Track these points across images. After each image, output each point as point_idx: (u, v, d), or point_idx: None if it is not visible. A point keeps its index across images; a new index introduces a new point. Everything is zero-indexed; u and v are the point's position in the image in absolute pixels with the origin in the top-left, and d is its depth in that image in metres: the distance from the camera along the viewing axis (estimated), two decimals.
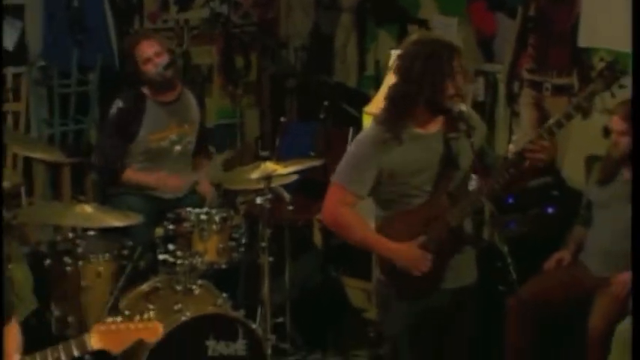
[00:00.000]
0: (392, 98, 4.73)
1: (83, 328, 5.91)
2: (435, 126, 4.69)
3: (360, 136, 4.96)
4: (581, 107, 4.74)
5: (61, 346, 3.80)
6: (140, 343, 5.41)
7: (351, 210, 4.76)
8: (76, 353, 3.79)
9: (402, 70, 4.66)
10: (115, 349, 3.88)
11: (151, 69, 6.44)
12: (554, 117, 4.73)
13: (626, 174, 5.70)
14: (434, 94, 4.58)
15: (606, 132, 6.20)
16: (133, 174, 6.54)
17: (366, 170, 4.71)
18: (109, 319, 3.89)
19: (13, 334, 3.92)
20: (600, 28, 6.83)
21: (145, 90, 6.58)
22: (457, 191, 4.69)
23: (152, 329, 3.98)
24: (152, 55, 6.46)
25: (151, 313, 5.66)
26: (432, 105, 4.61)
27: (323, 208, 4.86)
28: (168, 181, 6.53)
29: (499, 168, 4.65)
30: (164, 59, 6.46)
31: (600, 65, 5.04)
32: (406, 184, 4.70)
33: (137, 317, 4.00)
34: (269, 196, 6.14)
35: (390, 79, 4.91)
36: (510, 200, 6.21)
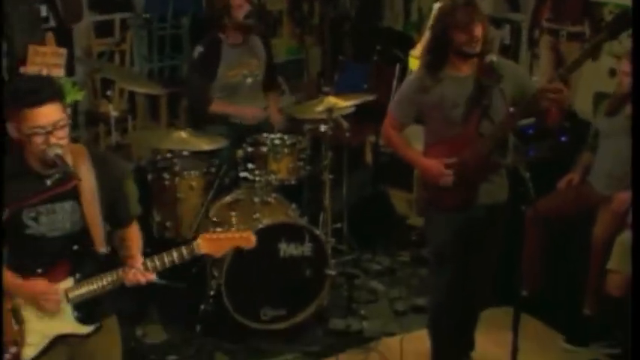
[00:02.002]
0: (428, 50, 4.91)
1: (179, 231, 6.11)
2: (469, 69, 4.77)
3: (409, 76, 5.25)
4: (590, 54, 4.79)
5: (174, 251, 3.84)
6: None
7: (397, 132, 5.06)
8: (186, 257, 3.84)
9: (432, 29, 4.90)
10: (217, 253, 3.94)
11: (236, 11, 6.46)
12: (566, 63, 4.80)
13: (628, 109, 5.62)
14: (455, 44, 4.70)
15: (612, 73, 6.19)
16: (217, 105, 6.54)
17: (407, 104, 4.98)
18: (212, 230, 4.00)
19: (136, 234, 4.03)
20: None
21: (221, 35, 6.58)
22: (488, 126, 4.76)
23: (247, 238, 3.97)
24: (241, 2, 6.46)
25: (234, 220, 5.86)
26: (458, 52, 4.73)
27: (382, 128, 5.17)
28: (247, 111, 6.54)
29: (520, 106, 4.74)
30: (246, 8, 6.48)
31: (609, 17, 5.06)
32: (445, 117, 4.83)
33: (234, 228, 4.10)
34: (331, 124, 6.17)
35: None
36: (530, 131, 6.21)
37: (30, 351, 3.74)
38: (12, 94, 3.58)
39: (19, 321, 3.72)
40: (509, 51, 7.70)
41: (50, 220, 3.68)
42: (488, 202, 4.92)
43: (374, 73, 8.22)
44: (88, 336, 3.83)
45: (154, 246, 6.34)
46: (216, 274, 5.77)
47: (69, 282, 3.74)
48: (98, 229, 3.74)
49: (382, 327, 5.98)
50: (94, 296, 3.76)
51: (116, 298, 3.91)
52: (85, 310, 3.79)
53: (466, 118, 4.78)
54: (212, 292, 5.79)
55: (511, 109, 4.66)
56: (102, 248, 3.77)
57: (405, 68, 7.91)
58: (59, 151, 3.55)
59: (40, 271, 3.71)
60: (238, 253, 5.52)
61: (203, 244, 3.85)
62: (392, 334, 5.87)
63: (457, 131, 4.83)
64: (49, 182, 3.62)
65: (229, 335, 5.76)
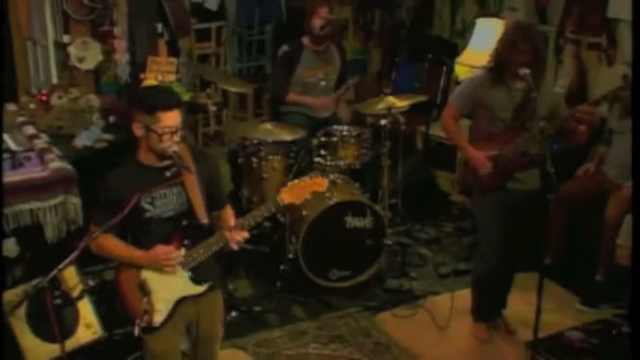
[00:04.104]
0: (494, 59, 4.89)
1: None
2: (523, 82, 4.77)
3: (473, 75, 5.23)
4: (610, 97, 4.87)
5: (262, 207, 3.74)
6: (301, 217, 5.75)
7: (453, 121, 5.04)
8: (273, 210, 3.73)
9: (498, 45, 4.86)
10: (298, 200, 3.74)
11: (317, 24, 6.45)
12: (597, 96, 4.87)
13: None
14: (511, 65, 4.74)
15: (624, 78, 6.16)
16: (293, 95, 6.55)
17: (466, 98, 4.99)
18: (289, 182, 3.79)
19: (230, 212, 4.02)
20: (625, 1, 6.71)
21: (304, 40, 6.58)
22: (528, 128, 4.80)
23: (319, 182, 3.80)
24: (324, 14, 6.45)
25: (308, 196, 5.91)
26: (514, 71, 4.75)
27: (441, 117, 5.16)
28: (318, 101, 6.55)
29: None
30: (324, 21, 6.48)
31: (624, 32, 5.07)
32: (493, 117, 4.87)
33: (307, 177, 3.84)
34: (389, 119, 6.22)
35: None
36: (555, 146, 6.09)
37: (159, 316, 3.81)
38: (147, 99, 3.67)
39: (147, 293, 3.78)
40: None
41: (163, 203, 3.74)
42: (523, 187, 4.96)
43: (424, 73, 8.26)
44: (202, 295, 3.89)
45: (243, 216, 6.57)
46: (294, 240, 5.83)
47: (182, 252, 3.78)
48: (200, 206, 3.75)
49: (429, 287, 5.99)
50: (203, 260, 3.80)
51: (218, 261, 3.98)
52: (198, 272, 3.83)
53: (511, 121, 4.83)
54: (290, 256, 5.85)
55: (542, 123, 4.69)
56: (204, 220, 3.78)
57: (450, 70, 7.95)
58: (176, 148, 3.71)
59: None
60: (312, 224, 5.70)
61: (285, 196, 3.72)
62: (437, 294, 5.89)
63: (500, 130, 4.87)
64: (168, 173, 3.68)
65: (304, 291, 5.82)
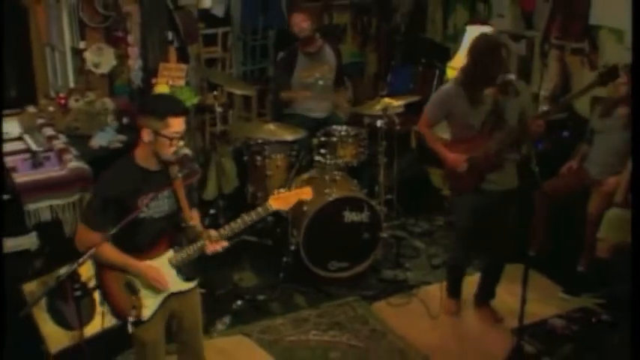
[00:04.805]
0: (464, 71, 4.94)
1: (267, 200, 6.26)
2: (491, 89, 4.84)
3: (444, 86, 5.22)
4: (583, 93, 4.91)
5: (252, 212, 3.84)
6: (302, 212, 5.79)
7: (427, 129, 5.17)
8: (262, 214, 3.84)
9: (468, 58, 4.89)
10: (285, 207, 3.89)
11: (296, 30, 6.57)
12: (566, 96, 4.92)
13: (620, 110, 5.66)
14: (488, 75, 4.78)
15: None
16: (286, 94, 6.66)
17: (438, 109, 5.08)
18: (277, 190, 3.93)
19: (197, 214, 4.06)
20: (606, 10, 6.77)
21: (298, 45, 6.67)
22: (498, 131, 4.88)
23: (305, 192, 3.97)
24: (298, 21, 6.56)
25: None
26: (488, 80, 4.81)
27: (418, 124, 5.25)
28: (309, 94, 6.61)
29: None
30: (306, 25, 6.57)
31: (602, 70, 5.20)
32: (465, 124, 4.95)
33: (294, 187, 4.00)
34: (385, 120, 6.29)
35: (464, 56, 5.11)
36: (539, 146, 6.25)
37: (147, 311, 3.86)
38: (159, 106, 3.69)
39: (135, 291, 3.82)
40: (525, 61, 7.72)
41: (156, 205, 3.76)
42: (502, 188, 5.02)
43: (418, 76, 8.31)
44: (188, 291, 3.97)
45: (248, 211, 6.63)
46: (295, 234, 5.89)
47: (170, 252, 3.86)
48: (187, 208, 3.83)
49: (422, 277, 6.03)
50: (190, 259, 3.87)
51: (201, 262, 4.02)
52: (187, 271, 3.91)
53: (482, 125, 4.90)
54: (292, 248, 5.91)
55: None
56: (190, 222, 3.86)
57: (442, 73, 8.00)
58: (188, 151, 3.78)
59: (148, 247, 3.82)
60: (313, 218, 5.73)
61: (274, 203, 3.85)
62: (429, 283, 5.93)
63: (474, 134, 4.94)
64: (180, 174, 3.74)
65: (305, 281, 5.87)
